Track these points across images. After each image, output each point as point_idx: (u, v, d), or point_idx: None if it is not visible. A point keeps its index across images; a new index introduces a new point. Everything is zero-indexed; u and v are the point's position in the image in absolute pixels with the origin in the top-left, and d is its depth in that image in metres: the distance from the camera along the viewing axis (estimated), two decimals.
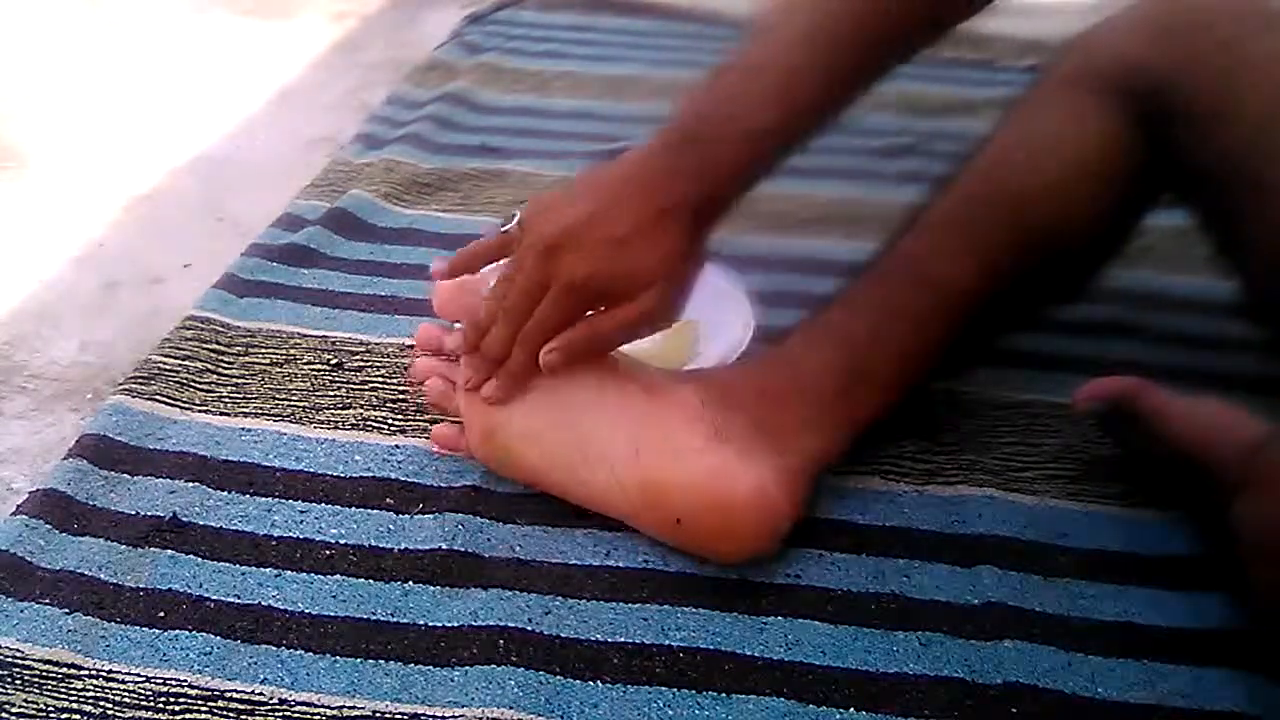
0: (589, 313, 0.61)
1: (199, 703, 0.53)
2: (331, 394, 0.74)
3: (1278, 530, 0.54)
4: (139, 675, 0.54)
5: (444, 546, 0.62)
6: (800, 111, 0.61)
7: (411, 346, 0.78)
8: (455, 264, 0.66)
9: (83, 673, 0.54)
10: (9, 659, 0.54)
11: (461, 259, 0.67)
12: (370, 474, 0.67)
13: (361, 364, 0.78)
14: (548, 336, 0.60)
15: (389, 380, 0.76)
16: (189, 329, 0.80)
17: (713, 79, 0.62)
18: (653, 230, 0.59)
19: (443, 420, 0.69)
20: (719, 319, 0.77)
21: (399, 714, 0.52)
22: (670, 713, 0.53)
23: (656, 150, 0.61)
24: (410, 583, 0.60)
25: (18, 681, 0.53)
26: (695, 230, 0.60)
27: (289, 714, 0.52)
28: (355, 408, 0.73)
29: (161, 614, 0.57)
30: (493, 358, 0.62)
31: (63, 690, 0.53)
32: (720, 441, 0.60)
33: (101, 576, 0.59)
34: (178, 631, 0.56)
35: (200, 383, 0.75)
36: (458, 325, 0.67)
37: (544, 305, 0.60)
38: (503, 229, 0.63)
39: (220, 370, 0.76)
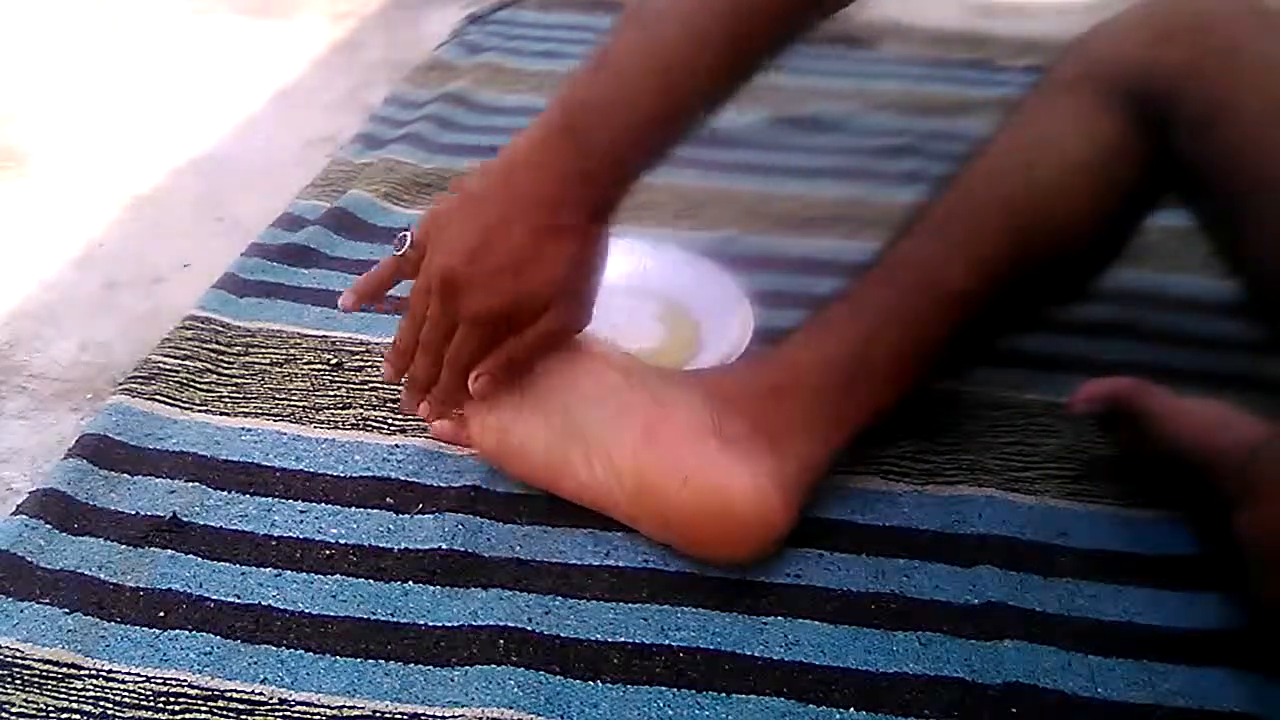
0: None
1: (199, 703, 0.53)
2: (331, 394, 0.74)
3: None
4: (139, 675, 0.54)
5: (444, 546, 0.62)
6: (681, 98, 0.59)
7: None
8: (359, 293, 0.66)
9: (83, 673, 0.54)
10: (9, 659, 0.54)
11: (365, 288, 0.66)
12: (370, 474, 0.67)
13: (361, 364, 0.77)
14: (471, 363, 0.62)
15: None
16: (189, 329, 0.80)
17: (598, 63, 0.60)
18: (546, 245, 0.59)
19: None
20: (719, 319, 0.77)
21: (399, 714, 0.52)
22: (670, 713, 0.53)
23: (542, 143, 0.60)
24: (410, 583, 0.60)
25: (18, 681, 0.53)
26: (590, 231, 0.60)
27: (289, 714, 0.52)
28: (355, 408, 0.73)
29: (161, 614, 0.57)
30: (423, 387, 0.64)
31: (63, 690, 0.53)
32: (719, 443, 0.60)
33: (101, 576, 0.59)
34: (178, 631, 0.56)
35: (200, 383, 0.75)
36: None
37: (457, 340, 0.61)
38: (397, 253, 0.64)
39: (220, 370, 0.76)
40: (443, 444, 0.69)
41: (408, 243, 0.63)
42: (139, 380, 0.74)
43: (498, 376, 0.62)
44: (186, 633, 0.56)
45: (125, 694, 0.53)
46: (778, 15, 0.59)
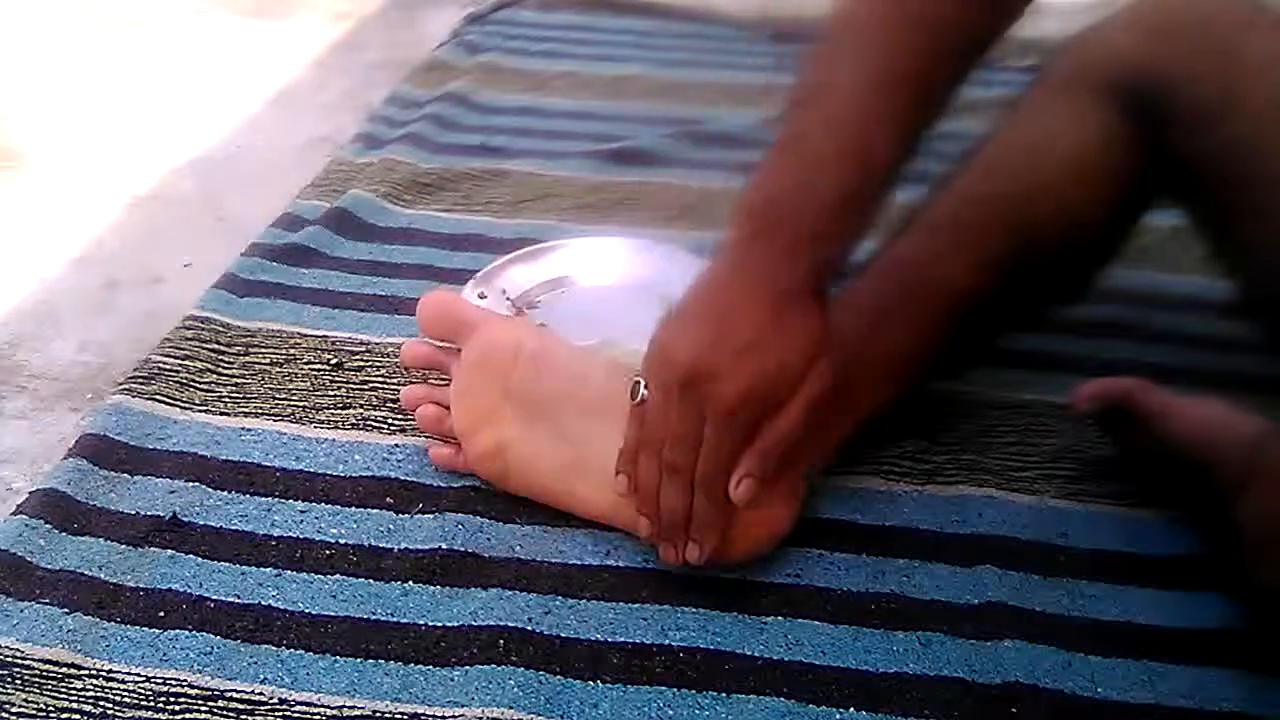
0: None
1: (199, 703, 0.53)
2: (331, 394, 0.74)
3: None
4: (139, 675, 0.54)
5: (444, 546, 0.62)
6: (877, 164, 0.56)
7: None
8: (627, 476, 0.60)
9: (83, 673, 0.54)
10: (9, 659, 0.54)
11: (629, 472, 0.60)
12: (370, 474, 0.67)
13: (361, 364, 0.77)
14: (728, 472, 0.56)
15: (389, 380, 0.76)
16: (189, 329, 0.80)
17: (779, 151, 0.57)
18: (779, 322, 0.55)
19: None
20: None
21: (399, 714, 0.52)
22: (670, 713, 0.53)
23: (743, 243, 0.56)
24: (410, 583, 0.60)
25: (18, 681, 0.53)
26: (815, 302, 0.56)
27: (289, 714, 0.52)
28: (355, 408, 0.73)
29: (161, 614, 0.57)
30: (679, 520, 0.58)
31: (63, 690, 0.53)
32: None
33: (101, 576, 0.59)
34: (178, 631, 0.56)
35: (200, 383, 0.75)
36: (445, 345, 0.67)
37: (710, 442, 0.55)
38: (635, 403, 0.58)
39: (220, 370, 0.76)
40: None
41: (641, 388, 0.58)
42: (139, 380, 0.74)
43: (763, 473, 0.56)
44: (186, 633, 0.56)
45: (125, 694, 0.53)
46: (951, 56, 0.56)
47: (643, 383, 0.58)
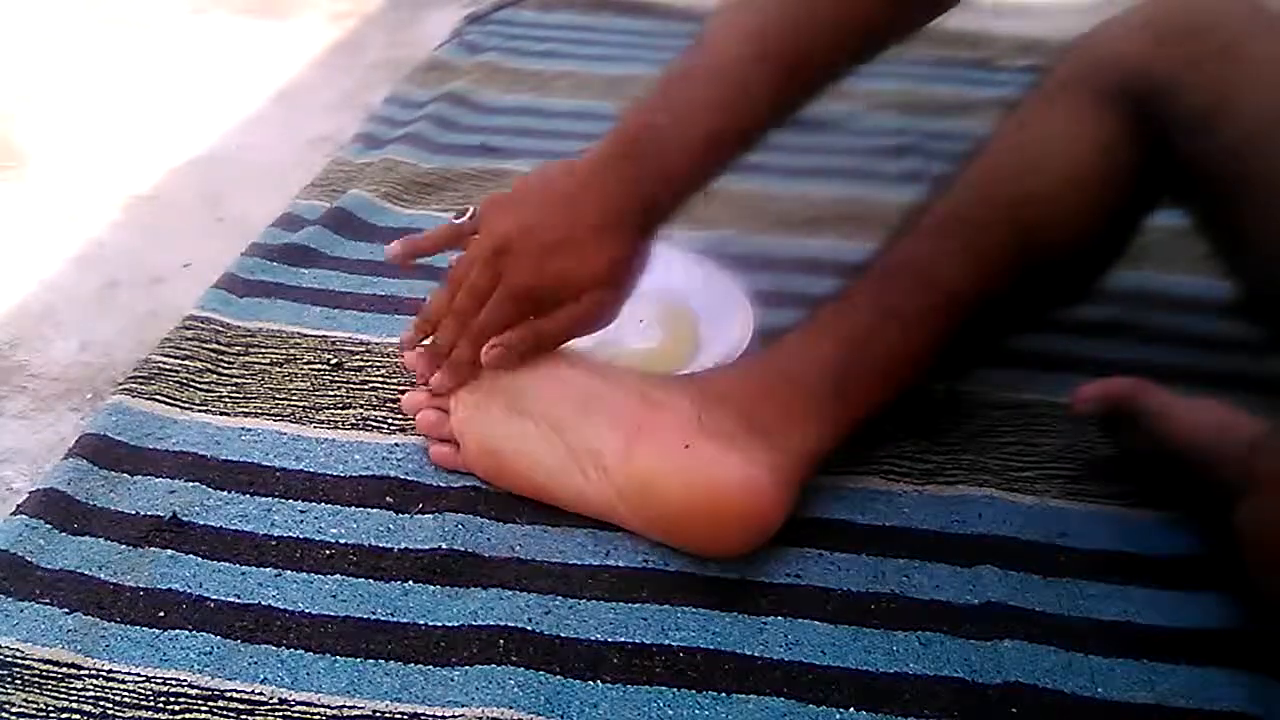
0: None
1: (199, 703, 0.53)
2: (331, 394, 0.74)
3: None
4: (139, 675, 0.54)
5: (444, 546, 0.62)
6: (749, 115, 0.62)
7: None
8: (410, 248, 0.69)
9: (83, 673, 0.54)
10: (9, 659, 0.54)
11: (416, 244, 0.69)
12: (370, 473, 0.67)
13: (361, 364, 0.78)
14: (493, 335, 0.63)
15: (389, 380, 0.76)
16: (189, 329, 0.80)
17: (662, 84, 0.63)
18: (597, 236, 0.61)
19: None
20: (719, 319, 0.77)
21: (399, 714, 0.52)
22: (670, 713, 0.53)
23: (607, 156, 0.63)
24: (410, 582, 0.60)
25: (18, 681, 0.53)
26: (640, 235, 0.63)
27: (289, 714, 0.52)
28: (355, 408, 0.73)
29: (161, 614, 0.57)
30: (440, 353, 0.65)
31: (63, 690, 0.53)
32: (710, 437, 0.60)
33: (101, 576, 0.59)
34: (178, 631, 0.56)
35: (200, 383, 0.75)
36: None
37: (489, 306, 0.63)
38: (456, 220, 0.67)
39: (220, 370, 0.76)
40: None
41: (469, 213, 0.66)
42: (139, 380, 0.74)
43: (514, 350, 0.63)
44: (186, 633, 0.56)
45: (125, 694, 0.53)
46: (838, 41, 0.62)
47: (471, 211, 0.66)
